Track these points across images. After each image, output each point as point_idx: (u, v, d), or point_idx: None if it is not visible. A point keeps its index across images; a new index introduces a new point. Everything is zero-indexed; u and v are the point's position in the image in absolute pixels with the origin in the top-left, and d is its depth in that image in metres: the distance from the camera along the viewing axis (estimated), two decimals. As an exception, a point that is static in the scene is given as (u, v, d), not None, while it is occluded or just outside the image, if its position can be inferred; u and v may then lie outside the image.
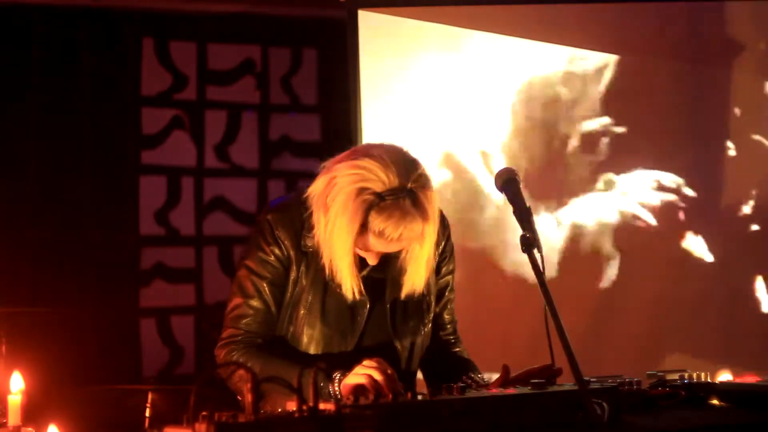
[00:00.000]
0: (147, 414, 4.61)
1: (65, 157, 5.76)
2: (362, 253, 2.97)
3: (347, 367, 2.81)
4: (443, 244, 3.20)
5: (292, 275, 3.04)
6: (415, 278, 3.03)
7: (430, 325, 3.18)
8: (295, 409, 2.08)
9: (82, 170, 5.78)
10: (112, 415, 4.57)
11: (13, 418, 2.69)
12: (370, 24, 5.23)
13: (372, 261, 3.00)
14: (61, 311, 5.31)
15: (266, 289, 3.04)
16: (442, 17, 5.28)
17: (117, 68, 5.91)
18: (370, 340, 3.06)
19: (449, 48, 5.27)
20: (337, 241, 2.91)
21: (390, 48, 5.22)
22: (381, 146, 2.95)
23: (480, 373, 3.17)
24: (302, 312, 3.03)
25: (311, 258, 3.03)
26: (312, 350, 3.03)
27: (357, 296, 3.00)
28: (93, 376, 5.41)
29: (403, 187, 2.84)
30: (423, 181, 2.89)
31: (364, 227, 2.86)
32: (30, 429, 2.71)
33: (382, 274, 3.07)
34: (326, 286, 3.03)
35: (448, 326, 3.29)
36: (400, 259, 3.03)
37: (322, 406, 2.10)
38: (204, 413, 2.04)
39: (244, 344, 3.03)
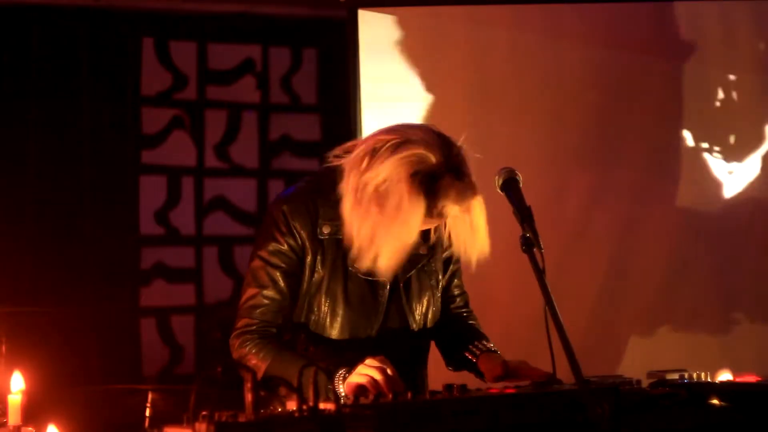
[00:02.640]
0: (147, 414, 4.61)
1: (65, 157, 5.76)
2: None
3: (362, 355, 2.84)
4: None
5: (308, 264, 3.05)
6: (480, 244, 3.03)
7: (440, 297, 3.21)
8: (295, 408, 2.09)
9: (82, 170, 5.78)
10: (112, 414, 4.57)
11: (14, 417, 2.70)
12: (370, 23, 5.23)
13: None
14: (62, 311, 5.31)
15: (280, 278, 3.06)
16: (443, 17, 5.28)
17: (117, 68, 5.90)
18: (390, 320, 3.10)
19: (449, 47, 5.27)
20: (403, 228, 2.89)
21: (390, 48, 5.22)
22: (412, 126, 3.00)
23: (487, 340, 3.18)
24: (325, 300, 3.05)
25: (327, 246, 3.06)
26: (337, 336, 3.05)
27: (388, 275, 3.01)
28: (93, 376, 5.41)
29: (449, 162, 2.90)
30: (462, 153, 2.97)
31: (429, 210, 2.88)
32: (30, 428, 2.71)
33: None
34: (346, 271, 3.06)
35: (458, 299, 3.32)
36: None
37: (322, 405, 2.10)
38: (204, 413, 2.04)
39: (258, 335, 3.04)
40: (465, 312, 3.33)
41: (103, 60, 5.85)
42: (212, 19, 6.05)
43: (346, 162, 2.99)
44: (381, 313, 3.08)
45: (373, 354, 2.88)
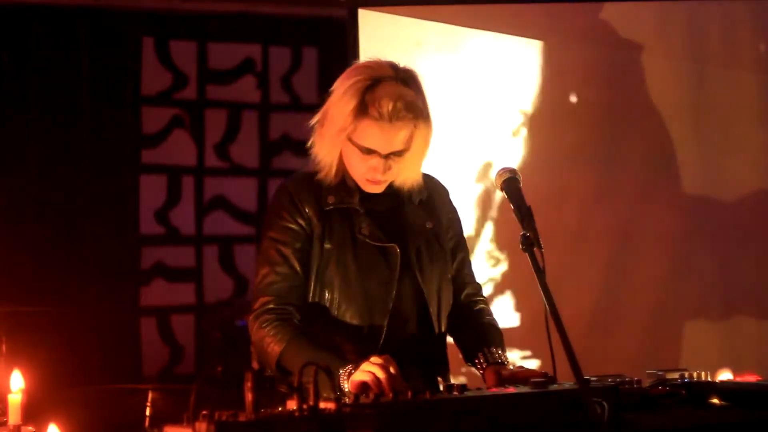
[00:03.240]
0: (147, 413, 4.61)
1: (65, 156, 5.76)
2: (367, 167, 3.02)
3: (387, 333, 2.91)
4: (447, 205, 3.27)
5: (317, 237, 3.07)
6: (411, 171, 3.10)
7: (450, 281, 3.21)
8: (295, 407, 2.09)
9: (83, 169, 5.79)
10: (113, 414, 4.58)
11: (14, 416, 2.70)
12: (370, 23, 5.22)
13: (377, 175, 3.03)
14: (62, 310, 5.31)
15: (292, 254, 3.07)
16: (443, 16, 5.28)
17: (117, 67, 5.91)
18: (404, 289, 3.09)
19: (450, 47, 5.27)
20: (334, 123, 3.01)
21: (390, 47, 5.22)
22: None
23: (499, 347, 3.17)
24: (336, 271, 3.05)
25: (334, 216, 3.07)
26: (354, 308, 3.04)
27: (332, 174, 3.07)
28: (93, 375, 5.42)
29: (393, 73, 3.03)
30: (410, 73, 3.08)
31: (361, 111, 2.96)
32: (30, 428, 2.71)
33: (402, 226, 3.11)
34: (355, 240, 3.06)
35: (468, 287, 3.30)
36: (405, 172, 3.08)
37: (322, 405, 2.10)
38: (204, 412, 2.04)
39: (276, 314, 3.03)
40: (480, 303, 3.31)
41: (104, 59, 5.86)
42: (212, 18, 6.06)
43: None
44: (395, 280, 3.06)
45: (391, 326, 2.94)
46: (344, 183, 3.10)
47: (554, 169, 5.26)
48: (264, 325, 3.04)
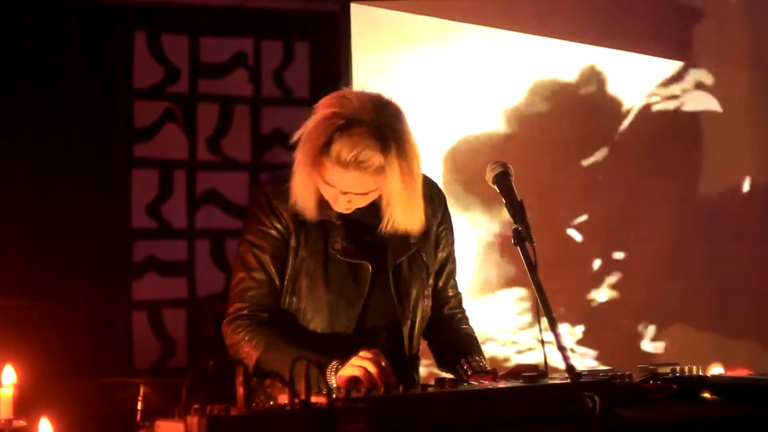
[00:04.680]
0: (139, 407, 4.60)
1: (57, 150, 5.74)
2: (329, 196, 2.99)
3: (351, 345, 2.85)
4: (440, 214, 3.24)
5: (292, 245, 3.06)
6: (400, 216, 3.02)
7: (430, 295, 3.19)
8: (287, 402, 2.09)
9: (74, 163, 5.77)
10: (104, 408, 4.57)
11: (5, 411, 2.69)
12: (362, 17, 5.23)
13: (339, 207, 3.00)
14: (53, 304, 5.30)
15: (269, 261, 3.07)
16: (435, 11, 5.28)
17: (109, 61, 5.89)
18: (375, 305, 3.08)
19: (442, 41, 5.27)
20: (304, 156, 2.95)
21: (382, 41, 5.22)
22: (364, 90, 3.05)
23: (481, 356, 3.18)
24: (305, 281, 3.05)
25: (309, 227, 3.06)
26: (318, 319, 3.04)
27: (312, 215, 3.02)
28: (85, 369, 5.40)
29: (371, 117, 2.91)
30: (393, 119, 2.95)
31: (326, 149, 2.90)
32: (22, 422, 2.70)
33: (383, 240, 3.09)
34: (327, 254, 3.05)
35: (452, 300, 3.30)
36: (391, 215, 3.03)
37: (314, 399, 2.10)
38: (196, 406, 2.04)
39: (250, 319, 3.04)
40: (459, 314, 3.32)
41: (95, 53, 5.84)
42: (204, 12, 6.04)
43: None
44: (362, 297, 3.05)
45: (356, 339, 2.91)
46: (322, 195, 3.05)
47: (546, 164, 5.27)
48: (238, 330, 3.04)
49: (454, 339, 3.26)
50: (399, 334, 3.11)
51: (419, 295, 3.15)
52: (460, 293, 3.34)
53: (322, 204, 3.06)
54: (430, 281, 3.21)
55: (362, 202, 3.02)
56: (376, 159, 2.90)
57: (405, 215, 3.04)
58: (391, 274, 3.09)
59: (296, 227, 3.06)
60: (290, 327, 3.05)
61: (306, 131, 2.98)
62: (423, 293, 3.17)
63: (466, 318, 3.34)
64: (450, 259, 3.27)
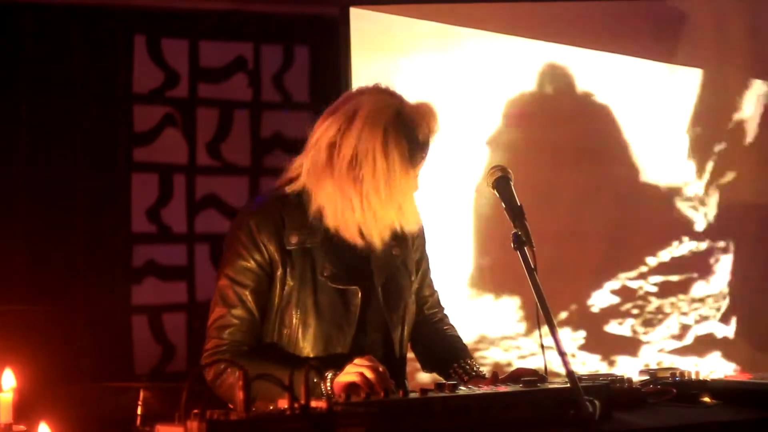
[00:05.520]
0: (139, 411, 4.60)
1: (57, 154, 5.74)
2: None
3: (341, 366, 2.81)
4: None
5: (278, 277, 3.00)
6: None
7: (414, 299, 3.19)
8: (286, 406, 2.09)
9: (74, 167, 5.77)
10: (104, 412, 4.57)
11: (5, 415, 2.69)
12: (362, 21, 5.23)
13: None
14: (53, 308, 5.30)
15: (249, 297, 3.00)
16: (435, 15, 5.28)
17: (109, 65, 5.89)
18: (366, 324, 3.05)
19: (441, 46, 5.27)
20: (392, 170, 2.91)
21: (382, 45, 5.22)
22: (353, 96, 3.09)
23: (471, 358, 3.18)
24: (295, 312, 3.00)
25: (296, 256, 3.00)
26: (309, 348, 3.00)
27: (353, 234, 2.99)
28: (85, 374, 5.41)
29: (402, 103, 3.00)
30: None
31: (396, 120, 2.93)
32: (21, 427, 2.70)
33: (367, 258, 3.07)
34: (315, 281, 3.01)
35: (429, 299, 3.30)
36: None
37: (313, 404, 2.10)
38: (196, 411, 2.04)
39: (230, 353, 2.98)
40: (438, 313, 3.32)
41: (95, 57, 5.84)
42: (204, 16, 6.04)
43: (307, 162, 3.04)
44: (354, 322, 3.02)
45: (349, 358, 2.86)
46: (307, 219, 3.02)
47: (546, 168, 5.27)
48: (220, 364, 2.96)
49: (437, 339, 3.26)
50: (390, 341, 3.09)
51: (407, 302, 3.15)
52: (436, 291, 3.34)
53: (306, 231, 3.02)
54: (414, 285, 3.21)
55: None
56: (437, 118, 3.02)
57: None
58: (380, 291, 3.08)
59: (282, 257, 3.00)
60: (279, 353, 3.01)
61: (358, 148, 2.92)
62: (409, 299, 3.17)
63: (446, 316, 3.34)
64: (424, 258, 3.27)
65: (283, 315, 3.01)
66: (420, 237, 3.25)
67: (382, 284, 3.08)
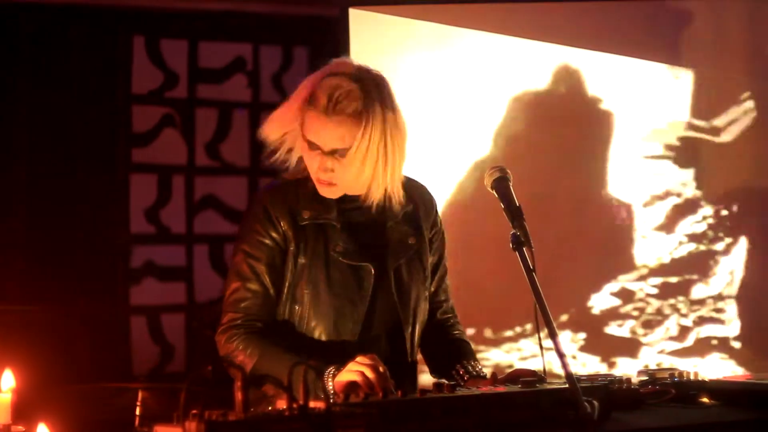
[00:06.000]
0: (137, 412, 4.59)
1: (55, 155, 5.75)
2: (310, 162, 3.01)
3: (345, 357, 2.82)
4: (432, 218, 3.24)
5: (292, 253, 3.03)
6: (382, 177, 3.02)
7: (428, 299, 3.19)
8: (285, 407, 2.08)
9: (73, 168, 5.77)
10: (103, 413, 4.56)
11: (3, 416, 2.69)
12: (361, 22, 5.22)
13: (322, 176, 3.00)
14: (52, 309, 5.30)
15: (264, 271, 3.04)
16: (434, 15, 5.28)
17: (107, 66, 5.90)
18: (377, 308, 3.06)
19: (440, 46, 5.27)
20: (287, 109, 3.07)
21: (381, 46, 5.22)
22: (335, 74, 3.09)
23: (475, 360, 3.18)
24: (307, 288, 3.02)
25: (309, 232, 3.04)
26: (323, 325, 3.01)
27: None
28: (83, 375, 5.40)
29: (357, 72, 3.01)
30: (377, 78, 3.04)
31: (307, 103, 3.00)
32: (20, 427, 2.70)
33: (382, 242, 3.08)
34: (328, 257, 3.03)
35: (444, 304, 3.29)
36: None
37: (312, 404, 2.10)
38: (194, 411, 2.04)
39: (244, 329, 3.01)
40: (451, 319, 3.31)
41: (94, 58, 5.84)
42: (203, 17, 6.04)
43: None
44: (366, 299, 3.03)
45: (361, 344, 2.90)
46: (321, 196, 3.06)
47: (547, 169, 5.27)
48: (232, 340, 3.01)
49: (447, 344, 3.25)
50: (402, 339, 3.10)
51: (419, 298, 3.14)
52: (451, 300, 3.33)
53: (319, 207, 3.05)
54: (428, 284, 3.21)
55: (343, 174, 2.98)
56: (355, 103, 2.94)
57: (389, 179, 3.02)
58: (392, 275, 3.09)
59: (295, 233, 3.03)
60: (290, 336, 3.03)
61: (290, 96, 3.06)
62: (422, 296, 3.16)
63: (458, 323, 3.33)
64: (441, 263, 3.27)
65: (295, 291, 3.04)
66: (438, 240, 3.25)
67: (394, 269, 3.09)
